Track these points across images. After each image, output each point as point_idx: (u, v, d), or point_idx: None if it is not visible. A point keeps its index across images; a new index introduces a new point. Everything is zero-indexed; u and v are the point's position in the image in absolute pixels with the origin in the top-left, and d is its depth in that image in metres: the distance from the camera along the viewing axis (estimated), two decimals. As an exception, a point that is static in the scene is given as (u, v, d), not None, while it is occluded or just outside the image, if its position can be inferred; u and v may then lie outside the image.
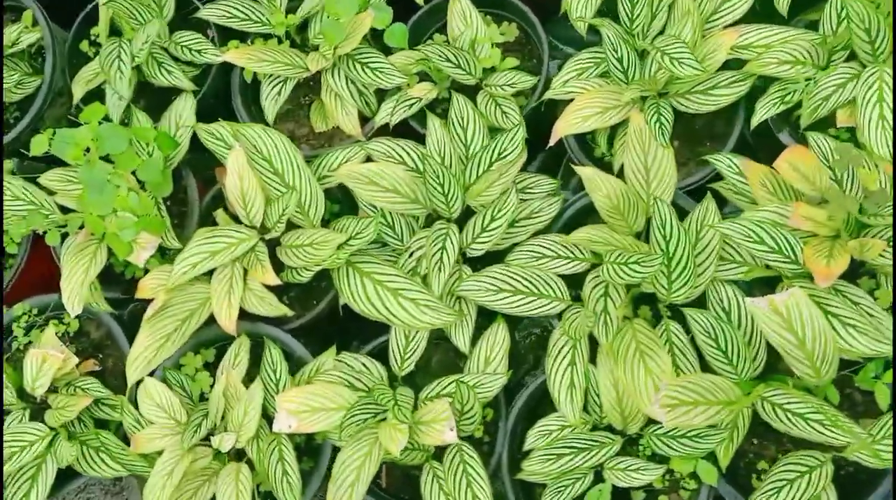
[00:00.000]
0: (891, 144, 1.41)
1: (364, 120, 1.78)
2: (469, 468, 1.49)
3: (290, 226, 1.66)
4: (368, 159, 1.64)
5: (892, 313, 1.39)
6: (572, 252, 1.56)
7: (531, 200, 1.60)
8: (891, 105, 1.42)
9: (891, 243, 1.37)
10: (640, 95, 1.52)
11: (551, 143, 1.56)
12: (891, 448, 1.32)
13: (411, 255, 1.60)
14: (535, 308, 1.54)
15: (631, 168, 1.53)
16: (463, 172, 1.58)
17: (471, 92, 1.67)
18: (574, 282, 1.58)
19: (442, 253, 1.54)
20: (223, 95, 1.88)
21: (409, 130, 1.74)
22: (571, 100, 1.60)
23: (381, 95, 1.78)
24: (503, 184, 1.53)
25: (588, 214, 1.66)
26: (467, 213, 1.60)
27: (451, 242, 1.55)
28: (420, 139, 1.65)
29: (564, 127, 1.55)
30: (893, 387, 1.43)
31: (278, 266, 1.65)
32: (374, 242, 1.59)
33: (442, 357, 1.69)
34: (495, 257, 1.60)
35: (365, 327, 1.67)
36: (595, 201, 1.53)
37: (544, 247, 1.57)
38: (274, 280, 1.61)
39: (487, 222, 1.56)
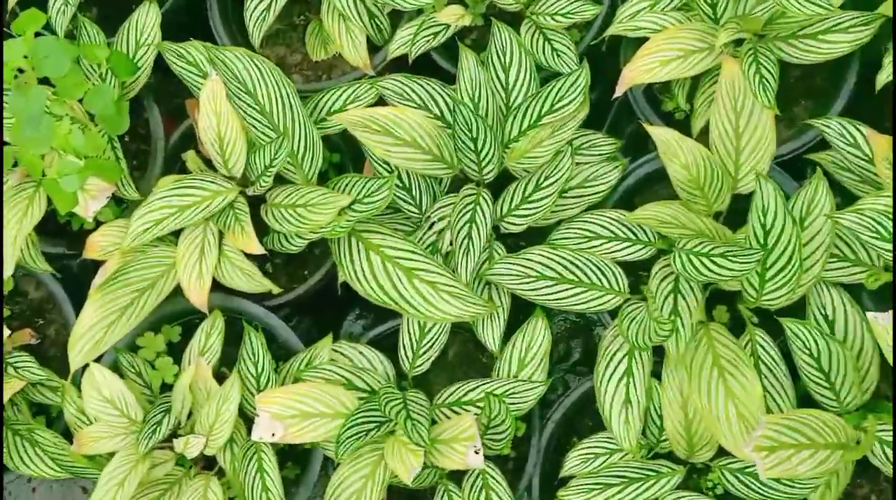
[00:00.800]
0: None
1: (374, 50, 1.42)
2: (494, 497, 1.21)
3: (279, 180, 1.33)
4: (380, 102, 1.30)
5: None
6: (634, 233, 1.25)
7: (584, 166, 1.27)
8: None
9: None
10: (735, 36, 1.18)
11: (617, 93, 1.23)
12: None
13: (431, 226, 1.27)
14: (585, 302, 1.23)
15: (718, 131, 1.20)
16: (502, 124, 1.24)
17: (511, 21, 1.32)
18: (632, 270, 1.27)
19: (470, 227, 1.22)
20: (197, 9, 1.50)
21: (430, 68, 1.39)
22: (642, 40, 1.26)
23: (397, 19, 1.42)
24: (555, 143, 1.20)
25: (646, 187, 1.34)
26: (504, 178, 1.27)
27: (483, 214, 1.23)
28: (446, 80, 1.30)
29: (635, 74, 1.22)
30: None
31: (262, 229, 1.32)
32: (386, 209, 1.26)
33: (461, 349, 1.38)
34: (536, 235, 1.28)
35: (368, 305, 1.36)
36: (670, 171, 1.21)
37: (599, 225, 1.25)
38: (257, 248, 1.28)
39: (531, 191, 1.23)
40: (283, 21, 1.52)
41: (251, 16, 1.41)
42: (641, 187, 1.33)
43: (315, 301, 1.43)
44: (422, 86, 1.26)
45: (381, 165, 1.27)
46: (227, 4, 1.50)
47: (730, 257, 1.12)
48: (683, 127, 1.33)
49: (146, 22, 1.42)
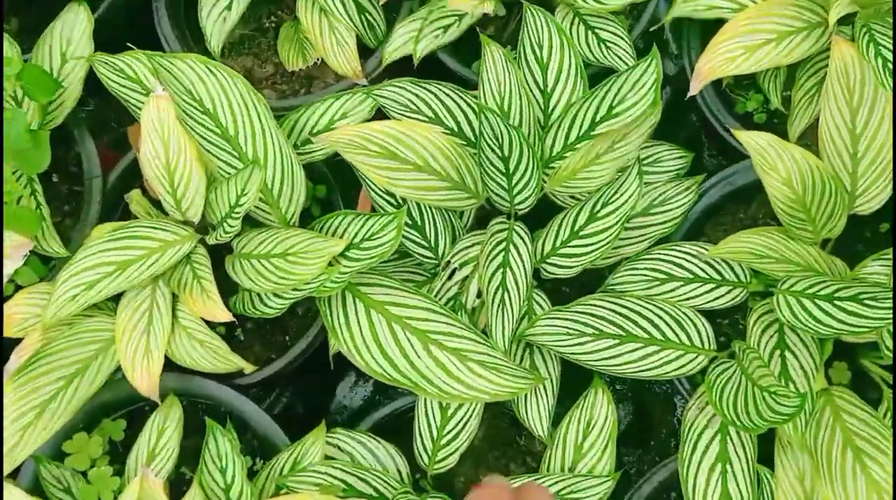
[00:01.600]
0: None
1: (364, 54, 1.13)
2: None
3: (249, 222, 1.02)
4: (378, 117, 1.00)
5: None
6: (719, 272, 0.95)
7: (649, 187, 0.98)
8: None
9: None
10: (850, 8, 0.90)
11: (693, 90, 0.93)
12: None
13: (451, 275, 0.97)
14: (659, 365, 0.93)
15: (828, 135, 0.91)
16: (541, 138, 0.95)
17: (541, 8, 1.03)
18: (709, 317, 0.97)
19: (504, 273, 0.92)
20: (141, 13, 1.20)
21: (437, 73, 1.10)
22: (711, 25, 0.98)
23: (392, 12, 1.13)
24: (616, 160, 0.90)
25: (719, 211, 1.05)
26: (542, 207, 0.97)
27: (519, 255, 0.93)
28: (460, 85, 1.01)
29: (713, 66, 0.93)
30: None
31: (229, 286, 1.01)
32: (391, 255, 0.95)
33: (491, 426, 1.07)
34: (587, 280, 0.98)
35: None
36: (768, 188, 0.92)
37: (672, 263, 0.96)
38: (222, 314, 0.97)
39: (583, 223, 0.93)
40: (248, 24, 1.22)
41: (208, 17, 1.11)
42: (714, 212, 1.04)
43: (301, 373, 1.12)
44: (433, 93, 0.97)
45: (382, 197, 0.97)
46: (178, 6, 1.21)
47: (866, 302, 0.83)
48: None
49: (74, 30, 1.12)
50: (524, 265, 0.93)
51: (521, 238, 0.95)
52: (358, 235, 0.94)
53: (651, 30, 1.03)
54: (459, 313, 0.95)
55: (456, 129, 0.97)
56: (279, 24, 1.20)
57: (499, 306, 0.92)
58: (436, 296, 0.96)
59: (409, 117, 0.97)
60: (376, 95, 0.97)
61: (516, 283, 0.92)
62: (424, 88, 0.97)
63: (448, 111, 0.97)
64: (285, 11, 1.20)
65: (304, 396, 1.30)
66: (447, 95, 0.96)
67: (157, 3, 1.19)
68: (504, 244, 0.94)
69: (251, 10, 1.20)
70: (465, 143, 0.97)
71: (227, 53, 1.22)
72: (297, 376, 1.18)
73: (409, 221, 0.96)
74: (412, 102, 0.97)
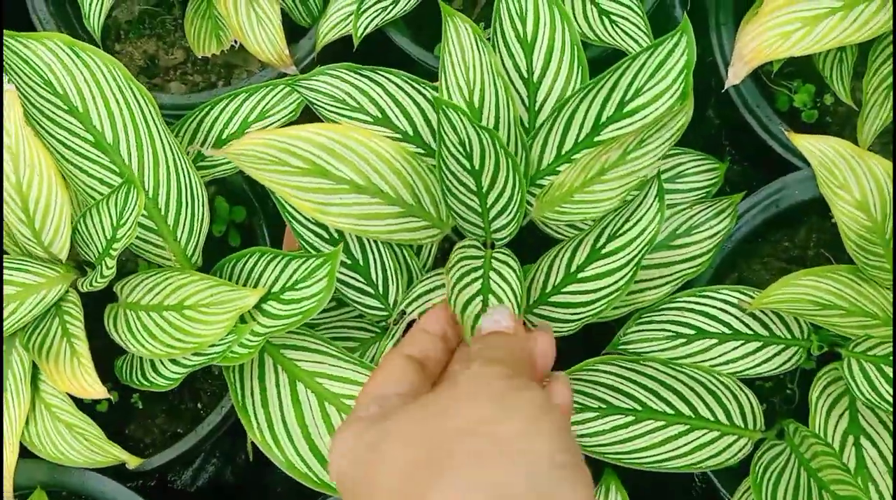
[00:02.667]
0: None
1: (295, 35, 0.87)
2: None
3: (133, 258, 0.77)
4: (310, 117, 0.74)
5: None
6: (766, 325, 0.71)
7: (670, 209, 0.73)
8: None
9: None
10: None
11: (733, 80, 0.68)
12: None
13: (407, 329, 0.71)
14: (688, 452, 0.69)
15: (917, 140, 0.67)
16: (525, 145, 0.69)
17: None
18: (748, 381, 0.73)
19: (484, 302, 0.67)
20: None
21: (392, 59, 0.84)
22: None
23: (330, -18, 0.88)
24: (629, 174, 0.65)
25: (758, 239, 0.80)
26: (528, 239, 0.72)
27: (506, 284, 0.68)
28: (421, 76, 0.76)
29: (762, 46, 0.68)
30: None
31: (105, 349, 0.76)
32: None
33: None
34: (593, 334, 0.73)
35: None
36: (838, 214, 0.68)
37: (703, 315, 0.71)
38: (96, 389, 0.71)
39: (583, 262, 0.68)
40: (149, 0, 0.96)
41: (85, -15, 0.85)
42: (752, 239, 0.79)
43: (228, 434, 0.86)
44: (378, 83, 0.71)
45: (310, 230, 0.71)
46: (57, -24, 0.94)
47: None
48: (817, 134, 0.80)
49: (-89, 4, 0.85)
50: (515, 290, 0.68)
51: (506, 263, 0.69)
52: (278, 283, 0.68)
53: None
54: (418, 384, 0.69)
55: (411, 132, 0.72)
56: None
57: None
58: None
59: (347, 118, 0.71)
60: (302, 87, 0.72)
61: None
62: (367, 78, 0.71)
63: (400, 109, 0.71)
64: (195, -19, 0.94)
65: (236, 459, 1.05)
66: (398, 87, 0.71)
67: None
68: (480, 272, 0.69)
69: (151, -20, 0.95)
70: (423, 152, 0.72)
71: (125, 36, 0.96)
72: (224, 437, 0.92)
73: (348, 261, 0.71)
74: (351, 97, 0.71)
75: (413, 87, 0.70)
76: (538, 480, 0.41)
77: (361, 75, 0.71)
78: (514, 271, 0.67)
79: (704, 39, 0.86)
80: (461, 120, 0.60)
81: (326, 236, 0.71)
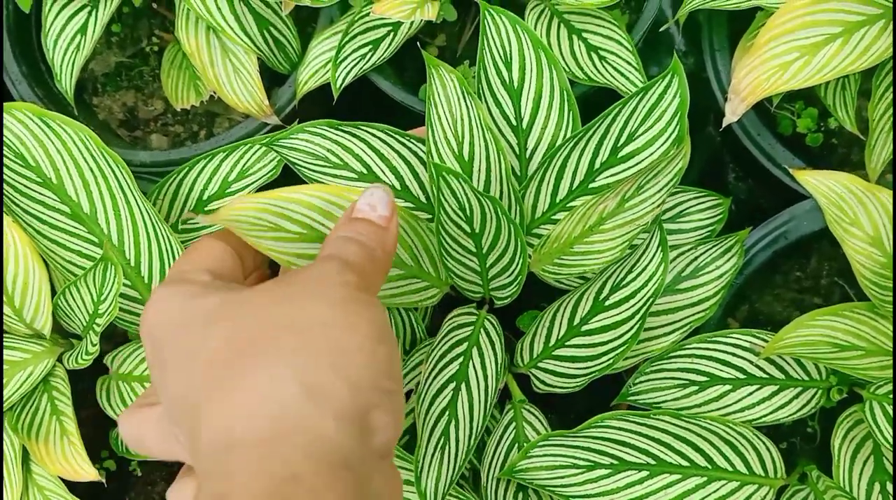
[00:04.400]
0: None
1: (276, 81, 0.84)
2: None
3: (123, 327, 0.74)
4: (291, 173, 0.71)
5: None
6: (782, 368, 0.68)
7: (673, 253, 0.70)
8: None
9: None
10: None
11: (730, 119, 0.65)
12: None
13: (406, 397, 0.68)
14: (707, 507, 0.66)
15: (930, 169, 0.64)
16: (517, 195, 0.66)
17: (506, 8, 0.74)
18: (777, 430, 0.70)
19: (455, 392, 0.64)
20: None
21: (375, 101, 0.81)
22: (741, 20, 0.70)
23: (311, 23, 0.85)
24: (629, 222, 0.61)
25: (766, 272, 0.77)
26: (528, 285, 0.69)
27: (481, 368, 0.65)
28: (405, 121, 0.73)
29: (759, 80, 0.64)
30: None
31: (100, 416, 0.73)
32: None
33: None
34: (596, 389, 0.70)
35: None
36: (849, 251, 0.65)
37: (716, 361, 0.68)
38: (88, 472, 0.68)
39: (586, 314, 0.65)
40: (126, 49, 0.93)
41: (55, 46, 0.81)
42: (762, 271, 0.76)
43: None
44: (361, 139, 0.68)
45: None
46: (27, 32, 0.91)
47: None
48: (822, 161, 0.77)
49: None
50: (489, 381, 0.65)
51: (492, 342, 0.67)
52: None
53: (661, 29, 0.75)
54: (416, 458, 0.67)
55: (399, 187, 0.69)
56: (164, 47, 0.91)
57: (439, 440, 0.63)
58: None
59: (331, 176, 0.68)
60: (281, 147, 0.69)
61: (471, 408, 0.64)
62: (349, 133, 0.68)
63: (386, 163, 0.68)
64: (170, 30, 0.91)
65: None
66: (382, 141, 0.68)
67: (-3, 31, 0.89)
68: (465, 346, 0.67)
69: (127, 29, 0.92)
70: (413, 206, 0.69)
71: (102, 89, 0.93)
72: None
73: None
74: (333, 153, 0.68)
75: (398, 141, 0.67)
76: (358, 395, 0.39)
77: (343, 131, 0.68)
78: (494, 359, 0.65)
79: (699, 58, 0.83)
80: (461, 186, 0.57)
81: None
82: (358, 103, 0.84)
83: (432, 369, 0.65)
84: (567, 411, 0.78)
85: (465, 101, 0.63)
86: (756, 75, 0.63)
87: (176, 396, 0.42)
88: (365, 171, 0.68)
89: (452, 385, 0.64)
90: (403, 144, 0.67)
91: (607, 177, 0.65)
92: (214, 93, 0.87)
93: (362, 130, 0.68)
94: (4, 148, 0.70)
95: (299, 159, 0.68)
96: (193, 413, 0.40)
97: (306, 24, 0.85)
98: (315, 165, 0.68)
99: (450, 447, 0.63)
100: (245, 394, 0.39)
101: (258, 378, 0.39)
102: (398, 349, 0.46)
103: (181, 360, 0.42)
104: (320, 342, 0.40)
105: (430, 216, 0.67)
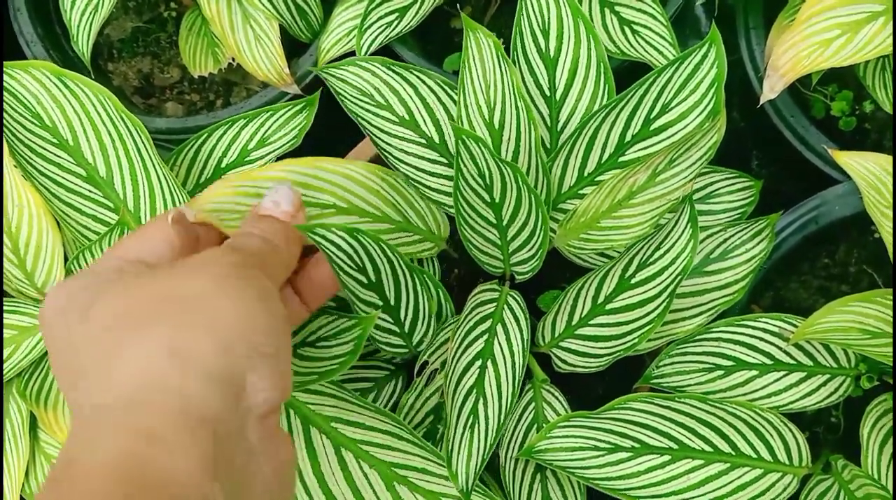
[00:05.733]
0: None
1: (295, 50, 0.83)
2: None
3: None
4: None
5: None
6: (810, 354, 0.66)
7: (702, 234, 0.68)
8: None
9: None
10: None
11: (768, 96, 0.64)
12: None
13: (429, 380, 0.67)
14: (729, 494, 0.64)
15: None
16: (545, 168, 0.64)
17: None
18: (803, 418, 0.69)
19: (481, 369, 0.63)
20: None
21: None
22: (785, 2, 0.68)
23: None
24: (659, 197, 0.60)
25: (795, 259, 0.75)
26: (551, 262, 0.68)
27: (507, 344, 0.64)
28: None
29: (798, 58, 0.62)
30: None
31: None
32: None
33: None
34: (620, 370, 0.69)
35: None
36: (887, 237, 0.63)
37: (742, 345, 0.66)
38: (96, 440, 0.67)
39: (611, 292, 0.63)
40: (143, 14, 0.91)
41: (72, 7, 0.80)
42: (789, 258, 0.75)
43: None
44: (408, 81, 0.66)
45: (332, 250, 0.67)
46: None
47: None
48: (855, 146, 0.76)
49: None
50: (519, 355, 0.64)
51: (517, 318, 0.65)
52: (297, 336, 0.64)
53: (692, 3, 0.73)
54: (445, 436, 0.65)
55: (437, 139, 0.67)
56: (182, 14, 0.89)
57: (468, 419, 0.62)
58: (404, 409, 0.66)
59: (372, 114, 0.67)
60: (329, 75, 0.67)
61: (499, 385, 0.63)
62: (399, 75, 0.66)
63: (429, 113, 0.66)
64: (190, -5, 0.90)
65: None
66: (430, 89, 0.66)
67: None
68: (489, 323, 0.65)
69: (144, -5, 0.90)
70: (445, 162, 0.66)
71: (118, 55, 0.91)
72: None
73: (380, 303, 0.66)
74: (379, 93, 0.67)
75: (445, 92, 0.66)
76: (228, 356, 0.40)
77: (394, 71, 0.66)
78: (520, 334, 0.63)
79: (732, 40, 0.81)
80: (482, 152, 0.55)
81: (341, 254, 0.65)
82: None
83: (459, 346, 0.63)
84: (586, 395, 0.76)
85: (500, 67, 0.62)
86: (796, 51, 0.61)
87: (64, 382, 0.44)
88: (406, 116, 0.66)
89: (479, 363, 0.63)
90: (451, 97, 0.66)
91: (638, 150, 0.63)
92: (233, 60, 0.86)
93: (413, 73, 0.66)
94: (21, 107, 0.69)
95: (345, 91, 0.67)
96: (80, 397, 0.41)
97: (328, -4, 0.84)
98: (360, 100, 0.67)
99: (479, 426, 0.61)
100: (120, 367, 0.40)
101: (133, 350, 0.40)
102: (286, 323, 0.46)
103: (65, 344, 0.43)
104: (196, 311, 0.41)
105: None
